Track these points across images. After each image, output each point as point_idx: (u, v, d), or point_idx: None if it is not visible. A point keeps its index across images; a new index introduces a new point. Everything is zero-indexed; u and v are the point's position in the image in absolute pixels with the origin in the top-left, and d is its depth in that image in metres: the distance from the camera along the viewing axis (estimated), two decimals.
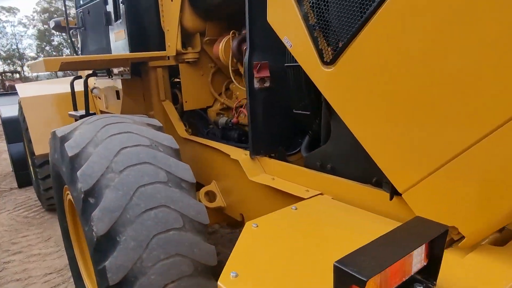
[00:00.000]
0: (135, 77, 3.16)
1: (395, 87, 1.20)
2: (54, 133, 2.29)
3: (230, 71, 2.62)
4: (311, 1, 1.43)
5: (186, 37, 2.88)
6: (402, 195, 1.29)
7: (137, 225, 1.82)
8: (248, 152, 2.21)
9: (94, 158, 1.95)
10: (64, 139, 2.14)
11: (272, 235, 1.39)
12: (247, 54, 1.99)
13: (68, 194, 2.44)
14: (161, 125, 2.40)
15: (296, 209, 1.58)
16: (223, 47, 2.61)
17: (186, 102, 2.98)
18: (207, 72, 3.07)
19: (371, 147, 1.34)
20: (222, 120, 2.90)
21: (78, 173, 1.89)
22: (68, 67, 2.68)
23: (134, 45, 2.90)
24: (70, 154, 1.97)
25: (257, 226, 1.44)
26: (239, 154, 2.21)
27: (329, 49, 1.40)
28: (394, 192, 1.38)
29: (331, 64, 1.39)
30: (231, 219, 2.71)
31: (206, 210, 2.07)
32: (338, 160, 1.70)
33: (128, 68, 2.93)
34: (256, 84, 2.02)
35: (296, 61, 1.77)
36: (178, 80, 3.36)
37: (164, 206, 1.92)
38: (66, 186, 2.39)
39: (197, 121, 3.15)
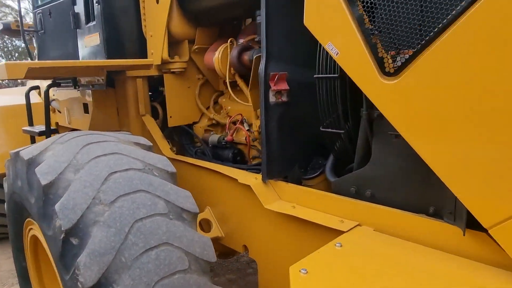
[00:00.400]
0: (108, 88, 2.76)
1: (488, 105, 1.01)
2: (16, 155, 1.84)
3: (228, 83, 2.34)
4: (368, 0, 1.21)
5: (173, 44, 2.56)
6: (488, 231, 1.09)
7: (135, 271, 1.46)
8: (258, 176, 1.92)
9: (76, 187, 1.56)
10: (32, 162, 1.71)
11: (329, 284, 1.12)
12: (262, 63, 1.73)
13: (31, 229, 1.97)
14: (150, 144, 2.05)
15: (341, 246, 1.32)
16: (220, 56, 2.33)
17: (171, 117, 2.63)
18: (194, 84, 2.75)
19: (448, 174, 1.13)
20: (213, 137, 2.59)
21: (57, 206, 1.49)
22: (35, 74, 2.24)
23: (111, 51, 2.52)
24: (43, 182, 1.56)
25: (307, 272, 1.16)
26: (249, 178, 1.92)
27: (391, 57, 1.19)
28: (469, 226, 1.18)
29: (395, 75, 1.18)
30: (224, 248, 2.39)
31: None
32: (381, 185, 1.48)
33: (102, 78, 2.53)
34: (272, 98, 1.76)
35: (327, 72, 1.56)
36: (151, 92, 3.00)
37: (167, 244, 1.58)
38: (29, 219, 1.93)
39: (182, 138, 2.80)
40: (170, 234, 1.61)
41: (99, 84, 2.57)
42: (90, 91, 2.83)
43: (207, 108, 2.81)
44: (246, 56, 2.23)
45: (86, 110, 2.94)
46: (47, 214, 1.56)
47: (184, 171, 2.46)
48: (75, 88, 2.93)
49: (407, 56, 1.14)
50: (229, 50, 2.32)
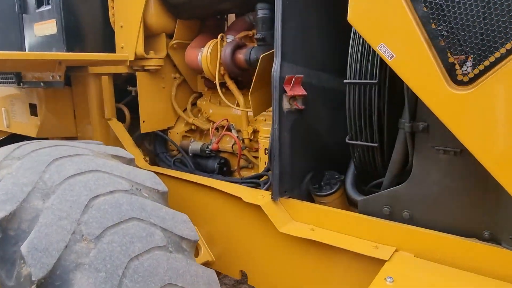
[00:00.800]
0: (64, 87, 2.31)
1: None
2: None
3: (217, 84, 2.05)
4: None
5: (147, 38, 2.20)
6: None
7: None
8: (265, 193, 1.68)
9: (47, 219, 1.19)
10: None
11: None
12: (276, 64, 1.49)
13: None
14: (132, 156, 1.70)
15: (393, 281, 1.14)
16: (209, 54, 2.02)
17: (144, 122, 2.26)
18: (169, 84, 2.41)
19: None
20: (195, 145, 2.28)
21: (23, 248, 1.11)
22: None
23: (71, 42, 2.09)
24: (0, 214, 1.16)
25: None
26: (255, 197, 1.65)
27: (463, 64, 1.02)
28: None
29: (469, 84, 1.02)
30: None
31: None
32: (422, 206, 1.32)
33: (60, 74, 2.09)
34: (286, 104, 1.53)
35: (360, 77, 1.36)
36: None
37: (170, 285, 1.28)
38: None
39: (156, 146, 2.44)
40: (173, 272, 1.30)
41: (55, 82, 2.12)
42: (39, 89, 2.36)
43: (184, 111, 2.48)
44: (240, 55, 1.96)
45: (33, 112, 2.45)
46: (7, 257, 1.16)
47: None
48: (18, 85, 2.42)
49: (487, 62, 0.98)
50: (219, 47, 2.03)
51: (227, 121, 2.26)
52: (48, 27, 2.12)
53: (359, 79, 1.33)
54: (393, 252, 1.32)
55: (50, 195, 1.26)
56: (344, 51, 1.58)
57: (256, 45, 1.93)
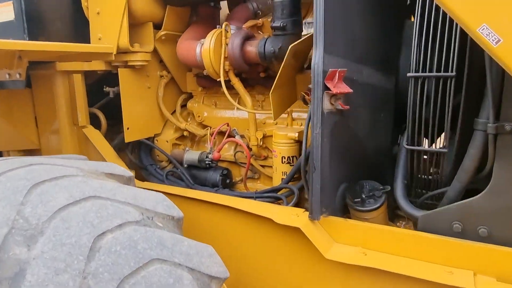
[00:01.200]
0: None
1: None
2: None
3: (223, 82, 1.73)
4: None
5: (130, 28, 1.82)
6: None
7: None
8: (298, 211, 1.40)
9: (39, 275, 0.83)
10: None
11: None
12: (318, 56, 1.22)
13: None
14: (131, 174, 1.34)
15: None
16: (212, 46, 1.70)
17: (128, 129, 1.88)
18: (156, 84, 2.05)
19: None
20: (191, 155, 1.95)
21: None
22: None
23: (34, 30, 1.67)
24: None
25: None
26: (289, 217, 1.37)
27: None
28: None
29: None
30: None
31: None
32: (504, 221, 1.13)
33: (20, 71, 1.65)
34: (327, 104, 1.27)
35: (427, 70, 1.14)
36: None
37: None
38: None
39: (142, 157, 2.06)
40: None
41: (13, 82, 1.67)
42: None
43: (172, 115, 2.13)
44: (251, 47, 1.67)
45: None
46: None
47: None
48: None
49: None
50: (223, 38, 1.72)
51: (229, 125, 1.95)
52: (3, 12, 1.68)
53: (429, 72, 1.10)
54: (473, 278, 1.11)
55: (37, 238, 0.88)
56: (388, 40, 1.36)
57: (270, 35, 1.65)
